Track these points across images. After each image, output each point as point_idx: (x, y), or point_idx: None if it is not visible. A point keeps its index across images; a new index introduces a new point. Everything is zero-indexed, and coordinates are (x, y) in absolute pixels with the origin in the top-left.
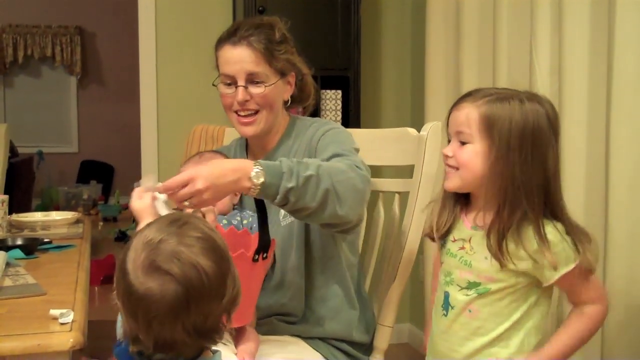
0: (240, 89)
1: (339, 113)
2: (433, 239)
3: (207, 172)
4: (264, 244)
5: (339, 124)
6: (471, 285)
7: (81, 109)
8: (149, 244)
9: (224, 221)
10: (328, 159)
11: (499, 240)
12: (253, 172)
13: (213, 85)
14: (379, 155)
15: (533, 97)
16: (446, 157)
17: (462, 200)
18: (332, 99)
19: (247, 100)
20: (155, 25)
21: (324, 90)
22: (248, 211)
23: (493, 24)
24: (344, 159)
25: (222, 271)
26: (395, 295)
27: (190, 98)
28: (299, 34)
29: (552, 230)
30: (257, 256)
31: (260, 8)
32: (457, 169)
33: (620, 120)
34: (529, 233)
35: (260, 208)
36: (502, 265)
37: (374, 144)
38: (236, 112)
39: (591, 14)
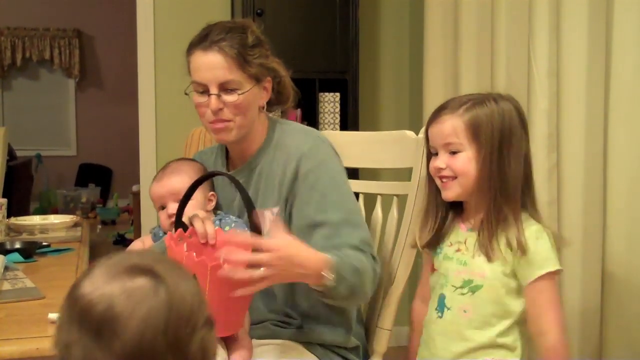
0: (213, 98)
1: (337, 116)
2: (418, 248)
3: (285, 264)
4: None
5: (323, 142)
6: (465, 284)
7: (79, 112)
8: None
9: None
10: (338, 225)
11: (489, 236)
12: (324, 272)
13: (185, 93)
14: (377, 158)
15: (501, 96)
16: (439, 169)
17: (455, 207)
18: (331, 102)
19: (220, 109)
20: (153, 28)
21: (322, 93)
22: (231, 216)
23: (491, 27)
24: (354, 234)
25: None
26: (393, 299)
27: (189, 101)
28: (297, 36)
29: (540, 232)
30: None
31: (259, 11)
32: (454, 178)
33: (618, 122)
34: (525, 230)
35: (250, 212)
36: (490, 259)
37: (372, 147)
38: (209, 120)
39: (589, 16)
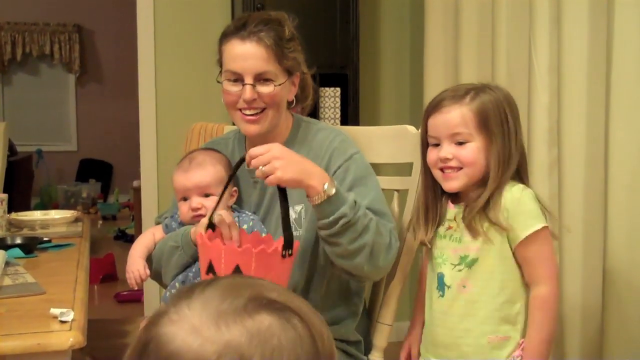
0: (248, 87)
1: (338, 111)
2: (427, 245)
3: (287, 153)
4: (289, 239)
5: (349, 138)
6: (462, 260)
7: (80, 107)
8: None
9: None
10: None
11: (480, 212)
12: (328, 182)
13: (217, 82)
14: (377, 153)
15: (490, 85)
16: (445, 160)
17: (440, 198)
18: (331, 97)
19: (254, 99)
20: (154, 22)
21: (322, 88)
22: (248, 213)
23: (492, 22)
24: (387, 225)
25: None
26: (394, 294)
27: (189, 96)
28: (297, 31)
29: (526, 191)
30: (284, 252)
31: (259, 6)
32: (459, 168)
33: (619, 117)
34: (504, 196)
35: (284, 204)
36: (475, 235)
37: (373, 142)
38: (240, 109)
39: (590, 11)
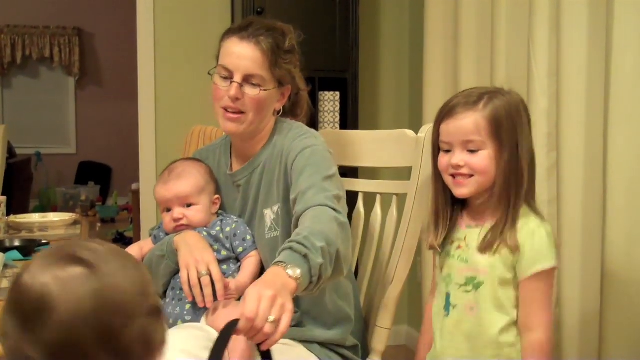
0: (235, 85)
1: (337, 115)
2: (437, 249)
3: (260, 289)
4: None
5: (316, 136)
6: (469, 281)
7: (79, 110)
8: None
9: (204, 233)
10: (304, 192)
11: (502, 232)
12: (287, 271)
13: (209, 74)
14: (376, 157)
15: (502, 89)
16: (457, 167)
17: (455, 204)
18: (330, 101)
19: (238, 99)
20: (153, 26)
21: (322, 92)
22: (232, 217)
23: (491, 27)
24: (319, 194)
25: None
26: (392, 297)
27: (189, 99)
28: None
29: (542, 226)
30: None
31: (259, 9)
32: (470, 176)
33: (618, 121)
34: (522, 222)
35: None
36: (493, 254)
37: (372, 146)
38: (224, 106)
39: (589, 16)
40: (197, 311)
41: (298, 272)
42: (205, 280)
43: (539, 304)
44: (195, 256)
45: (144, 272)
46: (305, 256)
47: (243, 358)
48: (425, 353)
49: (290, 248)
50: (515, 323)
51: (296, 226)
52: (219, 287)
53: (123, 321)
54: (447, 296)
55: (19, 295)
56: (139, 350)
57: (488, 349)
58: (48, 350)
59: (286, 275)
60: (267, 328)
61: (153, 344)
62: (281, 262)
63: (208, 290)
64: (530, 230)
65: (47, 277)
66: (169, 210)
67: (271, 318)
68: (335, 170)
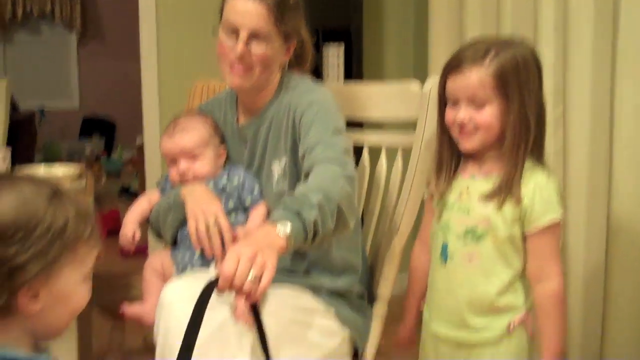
0: (241, 42)
1: (341, 67)
2: (438, 197)
3: (240, 248)
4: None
5: (324, 91)
6: (468, 232)
7: (82, 65)
8: None
9: (211, 185)
10: (312, 148)
11: (509, 185)
12: (277, 228)
13: (212, 31)
14: (381, 110)
15: (513, 40)
16: (462, 122)
17: (456, 155)
18: (334, 53)
19: (244, 56)
20: None
21: (326, 44)
22: (240, 168)
23: None
24: (327, 150)
25: (14, 217)
26: (397, 247)
27: (192, 52)
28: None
29: (551, 179)
30: None
31: None
32: (476, 130)
33: (626, 74)
34: (528, 175)
35: (259, 324)
36: (500, 207)
37: (377, 98)
38: (230, 63)
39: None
40: (207, 259)
41: (288, 230)
42: (213, 231)
43: (549, 255)
44: (203, 208)
45: (27, 196)
46: (297, 213)
47: (243, 313)
48: (416, 302)
49: (284, 206)
50: (519, 277)
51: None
52: (227, 237)
53: None
54: (445, 246)
55: None
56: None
57: (487, 296)
58: None
59: (275, 234)
60: (247, 286)
61: (11, 279)
62: (272, 220)
63: (216, 241)
64: (539, 183)
65: None
66: (175, 163)
67: (250, 276)
68: (343, 124)
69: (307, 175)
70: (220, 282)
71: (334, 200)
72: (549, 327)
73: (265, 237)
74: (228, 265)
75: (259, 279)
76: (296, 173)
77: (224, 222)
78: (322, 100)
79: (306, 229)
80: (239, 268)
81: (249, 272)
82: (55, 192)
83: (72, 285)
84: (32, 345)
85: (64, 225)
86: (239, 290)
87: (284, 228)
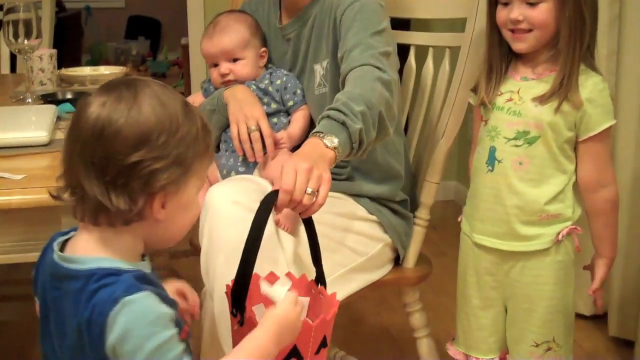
0: None
1: None
2: (487, 104)
3: (296, 162)
4: (320, 276)
5: None
6: (520, 135)
7: None
8: None
9: (253, 86)
10: (351, 50)
11: (568, 88)
12: (325, 140)
13: None
14: (429, 8)
15: None
16: (516, 21)
17: (506, 57)
18: None
19: None
20: None
21: None
22: (282, 70)
23: None
24: (365, 52)
25: (157, 121)
26: (442, 153)
27: None
28: None
29: (605, 83)
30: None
31: None
32: (529, 30)
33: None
34: (584, 78)
35: (313, 234)
36: (558, 110)
37: None
38: None
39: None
40: (250, 162)
41: (335, 141)
42: (255, 135)
43: (606, 160)
44: (245, 112)
45: (175, 120)
46: (343, 123)
47: (288, 219)
48: None
49: (328, 116)
50: (570, 185)
51: (343, 86)
52: (268, 142)
53: (125, 151)
54: (492, 150)
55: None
56: (135, 184)
57: (538, 203)
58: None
59: (323, 146)
60: (306, 200)
61: (150, 184)
62: (319, 132)
63: (258, 145)
64: (597, 87)
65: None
66: (216, 65)
67: (309, 190)
68: (385, 24)
69: (344, 79)
70: (280, 195)
71: (376, 108)
72: (608, 231)
73: (315, 150)
74: (287, 180)
75: (316, 192)
76: (337, 76)
77: (265, 127)
78: (362, 5)
79: (352, 139)
80: (297, 182)
81: (307, 186)
82: (184, 100)
83: (192, 196)
84: (136, 254)
85: (196, 134)
86: (298, 205)
87: (331, 139)
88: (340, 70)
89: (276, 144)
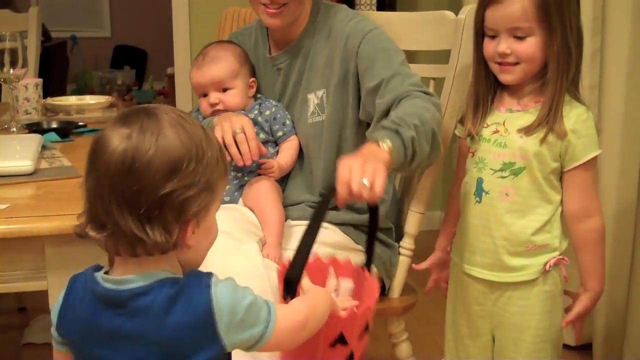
0: None
1: None
2: (474, 136)
3: (349, 160)
4: (369, 259)
5: (369, 20)
6: (506, 167)
7: None
8: None
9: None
10: (388, 80)
11: (554, 119)
12: (379, 144)
13: None
14: (414, 40)
15: None
16: (504, 54)
17: (493, 89)
18: None
19: None
20: None
21: None
22: (271, 100)
23: None
24: (405, 81)
25: (185, 149)
26: (427, 183)
27: None
28: None
29: (590, 113)
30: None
31: None
32: (517, 63)
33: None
34: (568, 109)
35: (374, 223)
36: (543, 141)
37: (410, 28)
38: (263, 2)
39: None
40: (235, 192)
41: (389, 143)
42: (241, 137)
43: (592, 190)
44: (231, 119)
45: (201, 145)
46: (396, 132)
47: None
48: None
49: (382, 127)
50: (556, 216)
51: (385, 115)
52: (252, 145)
53: (158, 182)
54: (480, 181)
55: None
56: (169, 214)
57: (524, 234)
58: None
59: (377, 147)
60: (364, 190)
61: (184, 212)
62: (373, 139)
63: (244, 147)
64: (581, 117)
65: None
66: (205, 95)
67: (365, 181)
68: (395, 45)
69: (387, 109)
70: (338, 187)
71: (429, 124)
72: (594, 263)
73: (369, 151)
74: (343, 172)
75: (372, 185)
76: (338, 104)
77: (250, 131)
78: (374, 29)
79: (405, 145)
80: (353, 174)
81: (362, 178)
82: (200, 124)
83: (214, 218)
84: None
85: (217, 156)
86: (355, 196)
87: (385, 142)
88: (378, 101)
89: (261, 152)
